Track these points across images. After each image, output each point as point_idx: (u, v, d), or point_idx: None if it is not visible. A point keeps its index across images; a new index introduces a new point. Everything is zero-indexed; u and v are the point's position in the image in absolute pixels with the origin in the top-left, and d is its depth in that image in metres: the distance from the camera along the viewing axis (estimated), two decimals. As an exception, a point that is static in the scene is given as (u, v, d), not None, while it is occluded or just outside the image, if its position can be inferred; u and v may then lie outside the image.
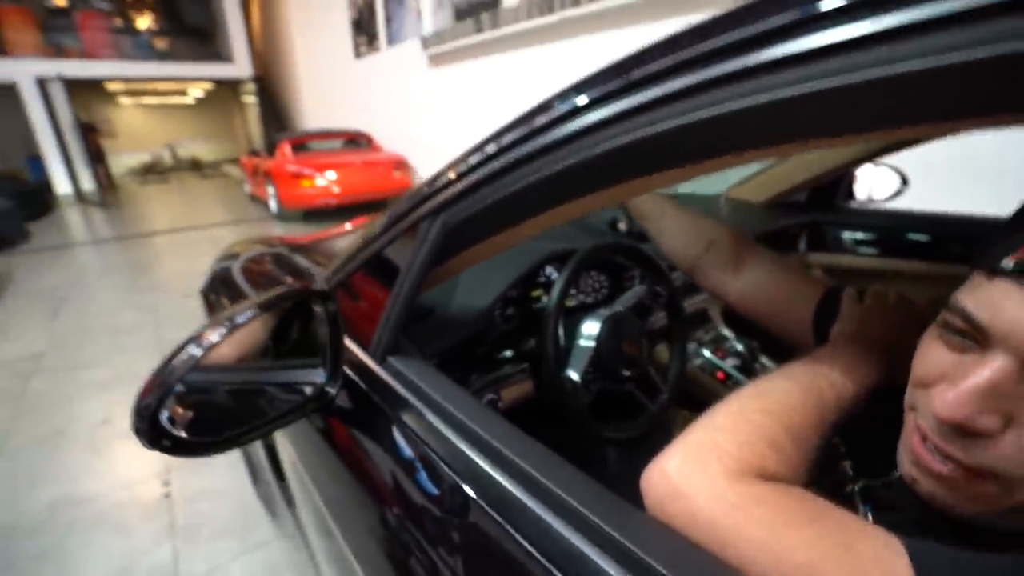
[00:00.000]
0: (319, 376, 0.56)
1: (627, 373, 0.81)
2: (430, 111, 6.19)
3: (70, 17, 10.15)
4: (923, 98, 0.26)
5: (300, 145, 6.63)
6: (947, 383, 0.32)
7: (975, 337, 0.32)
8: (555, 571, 0.35)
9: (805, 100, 0.28)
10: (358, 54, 7.68)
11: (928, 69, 0.24)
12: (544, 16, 4.01)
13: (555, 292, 0.75)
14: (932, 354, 0.35)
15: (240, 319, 0.47)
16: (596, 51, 3.89)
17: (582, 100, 0.42)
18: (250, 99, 11.48)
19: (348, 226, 1.72)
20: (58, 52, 9.18)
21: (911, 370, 0.37)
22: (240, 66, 10.21)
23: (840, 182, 1.53)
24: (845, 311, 0.54)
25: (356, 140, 7.00)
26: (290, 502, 1.06)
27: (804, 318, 0.60)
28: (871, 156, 1.30)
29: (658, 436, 0.88)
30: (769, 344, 1.11)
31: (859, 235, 1.49)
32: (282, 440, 0.96)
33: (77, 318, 3.36)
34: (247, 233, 5.87)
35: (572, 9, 3.76)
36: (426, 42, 5.64)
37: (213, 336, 0.46)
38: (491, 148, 0.49)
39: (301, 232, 5.64)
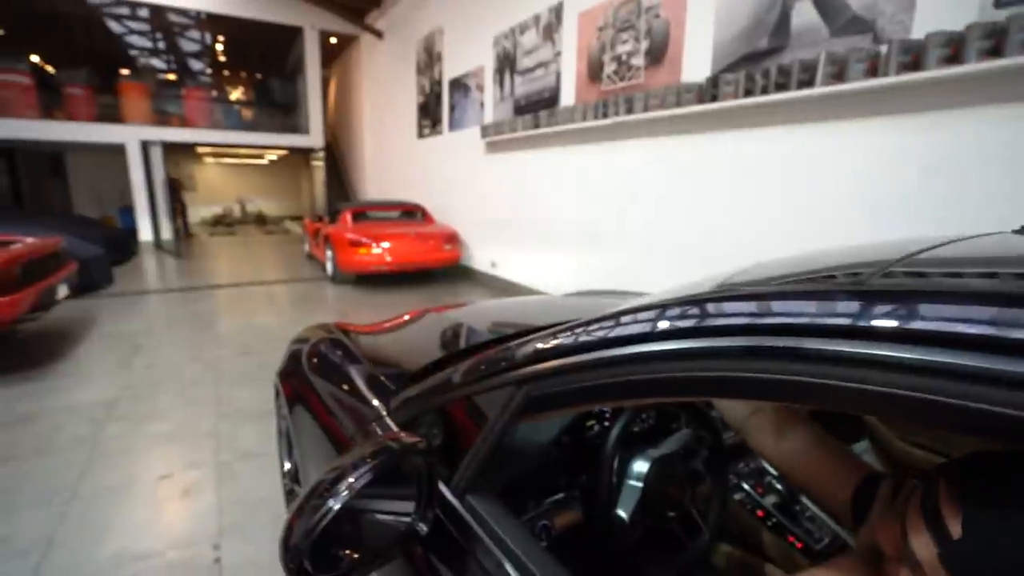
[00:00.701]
0: (408, 507, 0.66)
1: (671, 514, 0.88)
2: (483, 191, 6.61)
3: (177, 88, 11.58)
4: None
5: (360, 214, 7.13)
6: None
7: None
8: None
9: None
10: (421, 135, 8.36)
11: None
12: (599, 119, 4.34)
13: (615, 432, 0.85)
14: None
15: (355, 481, 0.60)
16: (643, 154, 4.15)
17: (660, 326, 0.54)
18: (318, 164, 12.50)
19: (406, 317, 1.87)
20: (162, 119, 10.42)
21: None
22: (314, 138, 11.24)
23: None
24: (876, 513, 0.56)
25: (412, 212, 7.47)
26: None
27: (842, 498, 0.65)
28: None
29: (698, 572, 0.94)
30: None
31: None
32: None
33: (148, 367, 3.64)
34: (302, 292, 6.25)
35: (625, 116, 4.07)
36: (485, 131, 6.12)
37: (343, 492, 0.59)
38: (574, 340, 0.62)
39: (352, 294, 5.98)
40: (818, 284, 0.47)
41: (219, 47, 12.97)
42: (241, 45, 12.33)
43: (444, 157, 7.61)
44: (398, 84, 9.04)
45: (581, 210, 4.93)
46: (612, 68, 4.41)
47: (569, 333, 0.63)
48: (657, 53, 3.95)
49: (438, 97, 7.64)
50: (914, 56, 2.47)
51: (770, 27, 3.16)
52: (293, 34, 10.81)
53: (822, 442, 0.73)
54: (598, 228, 4.74)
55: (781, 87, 2.99)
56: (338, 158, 13.73)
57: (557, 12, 5.01)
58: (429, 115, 8.02)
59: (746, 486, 1.13)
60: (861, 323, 0.39)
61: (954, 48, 2.35)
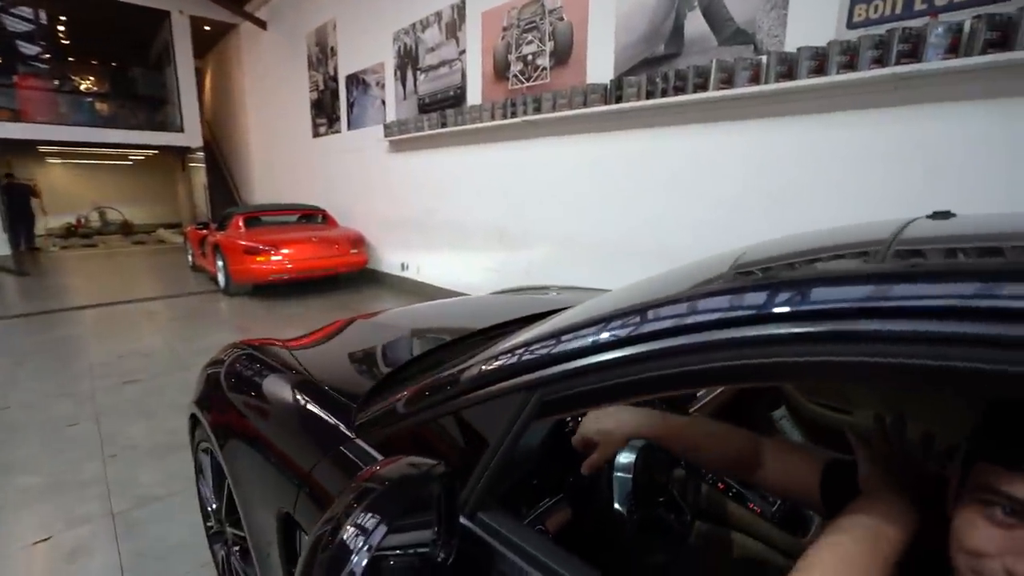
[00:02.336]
0: (425, 536, 0.61)
1: (660, 499, 0.91)
2: (389, 192, 6.40)
3: (7, 77, 9.81)
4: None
5: (254, 219, 6.56)
6: (1016, 555, 0.44)
7: (1021, 514, 0.44)
8: None
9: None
10: (317, 134, 7.89)
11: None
12: (508, 118, 4.39)
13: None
14: (981, 532, 0.46)
15: (376, 529, 0.54)
16: (553, 152, 4.27)
17: (661, 327, 0.55)
18: (197, 165, 11.29)
19: (337, 326, 1.75)
20: (-11, 112, 8.78)
21: (958, 541, 0.48)
22: (190, 136, 10.12)
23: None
24: (862, 462, 0.64)
25: (312, 215, 7.03)
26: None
27: (812, 490, 0.73)
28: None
29: (683, 552, 0.98)
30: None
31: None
32: None
33: (1, 410, 3.05)
34: (192, 307, 5.61)
35: (534, 115, 4.15)
36: (389, 129, 5.93)
37: (380, 534, 0.53)
38: (588, 340, 0.61)
39: (251, 306, 5.48)
40: (833, 265, 0.50)
41: (61, 28, 11.17)
42: (92, 28, 10.72)
43: (344, 157, 7.25)
44: (287, 79, 8.44)
45: (492, 209, 4.96)
46: (518, 68, 4.47)
47: (587, 331, 0.62)
48: (562, 54, 4.08)
49: (334, 94, 7.25)
50: (788, 67, 2.79)
51: (666, 35, 3.40)
52: (158, 19, 9.62)
53: (782, 450, 0.81)
54: (510, 227, 4.80)
55: (679, 90, 3.23)
56: (220, 159, 12.49)
57: (459, 10, 4.98)
58: (325, 113, 7.58)
59: (704, 464, 1.20)
60: (883, 304, 0.43)
61: (820, 61, 2.69)
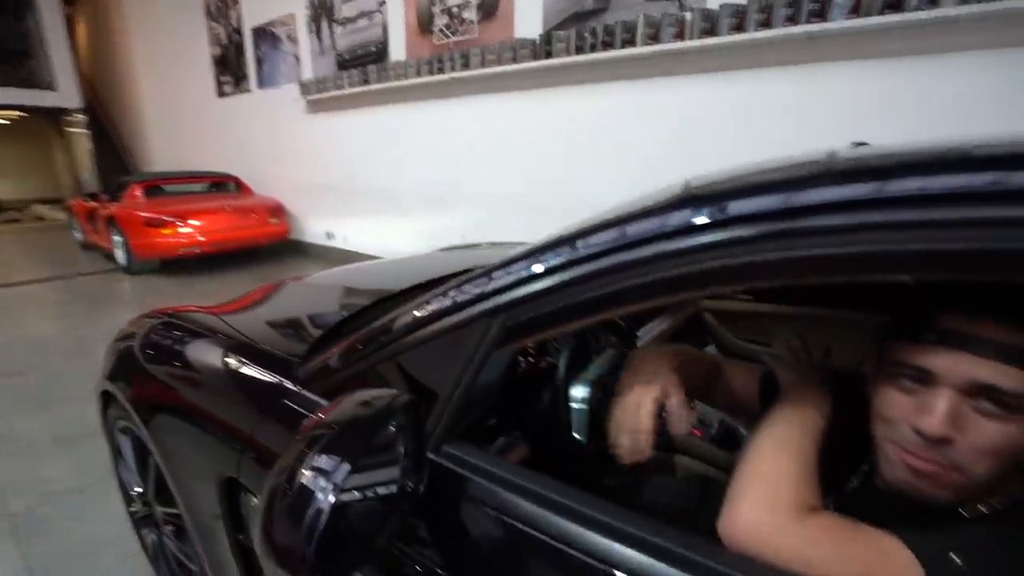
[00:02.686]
0: (391, 475, 0.59)
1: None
2: (310, 156, 6.00)
3: None
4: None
5: (154, 188, 5.94)
6: (920, 414, 0.50)
7: (923, 380, 0.50)
8: None
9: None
10: (222, 93, 7.21)
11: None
12: (434, 75, 4.21)
13: (563, 362, 0.86)
14: (893, 400, 0.53)
15: (339, 468, 0.50)
16: (481, 110, 4.17)
17: (638, 234, 0.55)
18: (78, 130, 9.96)
19: (269, 289, 1.64)
20: None
21: (876, 413, 0.55)
22: (66, 95, 8.87)
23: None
24: (779, 370, 0.74)
25: (222, 183, 6.48)
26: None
27: (753, 398, 0.82)
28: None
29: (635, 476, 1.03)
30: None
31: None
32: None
33: None
34: (87, 289, 5.04)
35: (461, 71, 4.01)
36: (306, 88, 5.52)
37: (343, 471, 0.49)
38: (551, 261, 0.60)
39: (161, 284, 5.00)
40: (782, 172, 0.52)
41: None
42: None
43: (256, 119, 6.68)
44: (181, 31, 7.56)
45: (422, 172, 4.80)
46: (444, 21, 4.28)
47: (546, 253, 0.61)
48: (489, 7, 3.95)
49: (239, 48, 6.61)
50: (711, 23, 2.87)
51: (593, -12, 3.37)
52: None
53: (728, 365, 0.89)
54: (441, 190, 4.68)
55: (607, 45, 3.24)
56: (107, 123, 11.09)
57: (376, -44, 4.65)
58: (230, 70, 6.91)
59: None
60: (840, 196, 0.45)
61: (740, 19, 2.78)
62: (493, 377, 0.90)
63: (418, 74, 4.36)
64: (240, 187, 6.51)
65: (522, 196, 4.11)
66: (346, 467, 0.51)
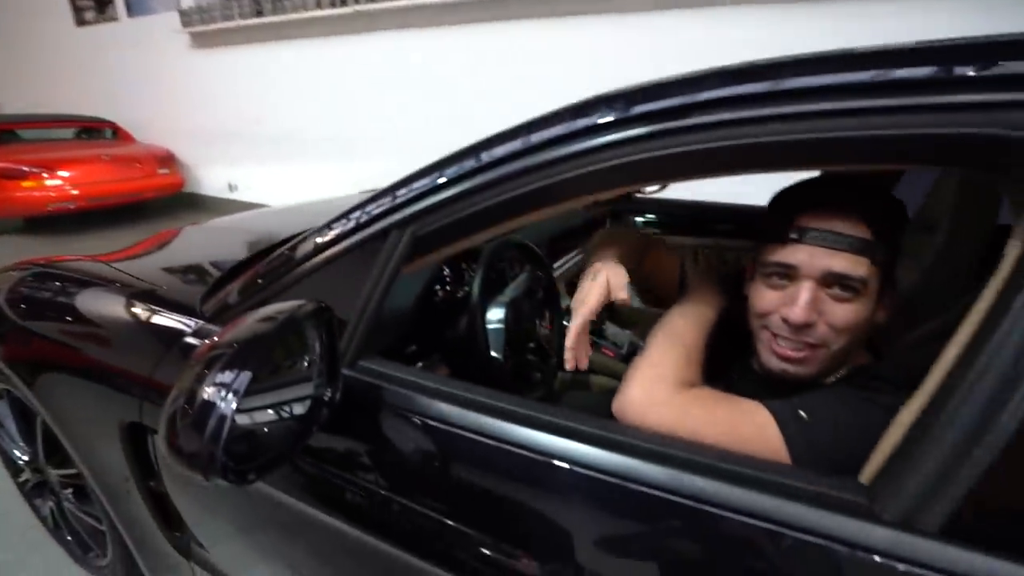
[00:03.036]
0: (307, 389, 0.59)
1: (530, 345, 0.99)
2: (201, 98, 5.39)
3: None
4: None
5: (6, 133, 5.10)
6: (787, 306, 0.58)
7: (788, 276, 0.59)
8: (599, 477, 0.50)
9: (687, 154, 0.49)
10: (82, 21, 6.19)
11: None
12: (337, 7, 3.88)
13: (476, 287, 0.88)
14: (764, 296, 0.62)
15: (239, 378, 0.50)
16: (395, 47, 3.94)
17: (536, 140, 0.57)
18: None
19: (166, 235, 1.51)
20: None
21: (752, 309, 0.63)
22: None
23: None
24: (688, 268, 0.83)
25: (96, 130, 5.68)
26: (189, 554, 0.97)
27: (675, 283, 0.89)
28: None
29: (552, 393, 1.10)
30: (611, 311, 1.43)
31: (644, 217, 1.95)
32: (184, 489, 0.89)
33: None
34: (-67, 254, 4.32)
35: (367, 4, 3.73)
36: (188, 18, 4.88)
37: (244, 379, 0.48)
38: (458, 170, 0.61)
39: (28, 246, 4.39)
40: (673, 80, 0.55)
41: None
42: None
43: (131, 54, 5.82)
44: (18, -59, 6.31)
45: (330, 116, 4.49)
46: (344, -54, 3.91)
47: (453, 164, 0.61)
48: (393, -68, 3.65)
49: (98, -33, 5.65)
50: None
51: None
52: None
53: (657, 252, 0.93)
54: (350, 135, 4.42)
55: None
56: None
57: None
58: (89, -7, 5.92)
59: (564, 321, 1.33)
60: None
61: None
62: (410, 299, 0.91)
63: (318, 6, 3.99)
64: (118, 134, 5.75)
65: (439, 144, 3.98)
66: (247, 376, 0.50)
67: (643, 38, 3.02)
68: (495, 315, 0.96)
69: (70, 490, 1.23)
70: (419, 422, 0.61)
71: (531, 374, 1.03)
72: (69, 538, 1.33)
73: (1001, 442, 0.37)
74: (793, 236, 0.58)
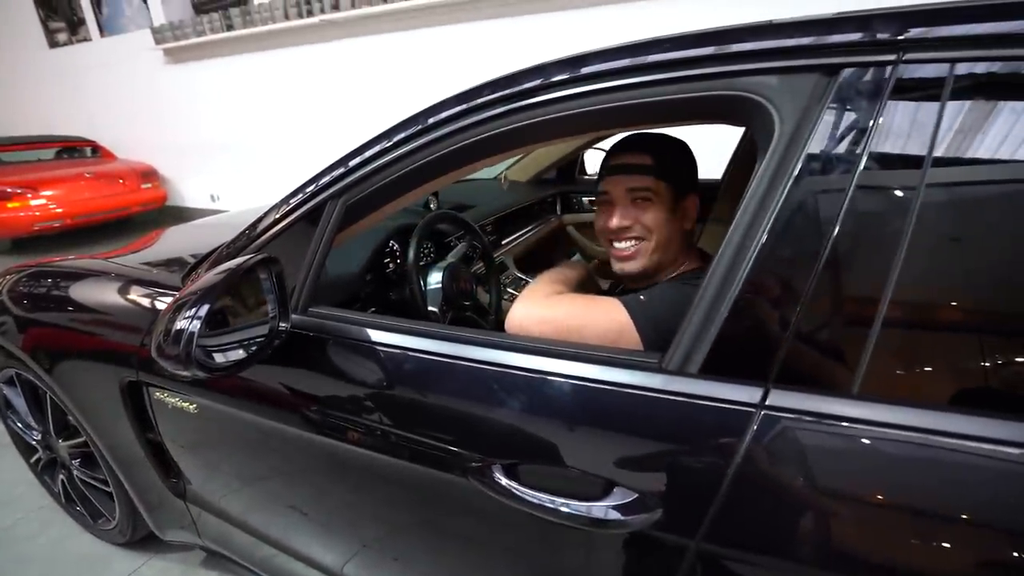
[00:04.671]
0: (262, 330, 0.76)
1: (466, 303, 1.17)
2: (178, 112, 5.52)
3: None
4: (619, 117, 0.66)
5: (-12, 158, 5.19)
6: (611, 219, 0.81)
7: (607, 200, 0.81)
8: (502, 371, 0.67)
9: (569, 117, 0.66)
10: (55, 43, 6.28)
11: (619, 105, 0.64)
12: (303, 18, 4.03)
13: (411, 253, 1.06)
14: (599, 218, 0.84)
15: (217, 287, 0.67)
16: (361, 53, 4.09)
17: (433, 120, 0.74)
18: None
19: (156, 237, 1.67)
20: None
21: (598, 235, 0.85)
22: None
23: (576, 162, 2.15)
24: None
25: (77, 148, 5.78)
26: (184, 495, 1.14)
27: None
28: (590, 144, 1.90)
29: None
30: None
31: (592, 197, 2.13)
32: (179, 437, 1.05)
33: None
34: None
35: (332, 13, 3.88)
36: (161, 34, 4.99)
37: (203, 310, 0.66)
38: (380, 146, 0.77)
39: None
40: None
41: None
42: None
43: (106, 72, 5.93)
44: (-14, -32, 6.37)
45: (306, 122, 4.64)
46: (307, -42, 4.05)
47: (377, 140, 0.78)
48: (354, -57, 3.80)
49: (68, -11, 5.75)
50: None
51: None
52: None
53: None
54: (327, 141, 4.57)
55: (476, -17, 3.30)
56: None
57: None
58: (61, 14, 6.01)
59: (511, 291, 1.51)
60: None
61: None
62: (355, 268, 1.08)
63: (285, 17, 4.13)
64: (99, 152, 5.85)
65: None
66: (205, 307, 0.67)
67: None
68: (434, 278, 1.14)
69: (78, 460, 1.39)
70: (359, 347, 0.78)
71: (469, 325, 1.21)
72: (79, 508, 1.48)
73: (728, 312, 0.55)
74: (603, 172, 0.83)
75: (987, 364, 0.48)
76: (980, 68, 0.49)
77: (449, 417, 0.71)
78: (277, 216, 0.90)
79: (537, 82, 0.68)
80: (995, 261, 0.48)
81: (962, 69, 0.49)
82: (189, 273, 1.09)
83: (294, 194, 0.88)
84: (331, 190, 0.81)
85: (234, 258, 0.94)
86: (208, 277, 0.73)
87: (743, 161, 1.06)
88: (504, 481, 0.64)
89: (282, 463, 0.92)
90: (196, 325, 0.65)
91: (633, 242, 0.81)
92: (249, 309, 0.74)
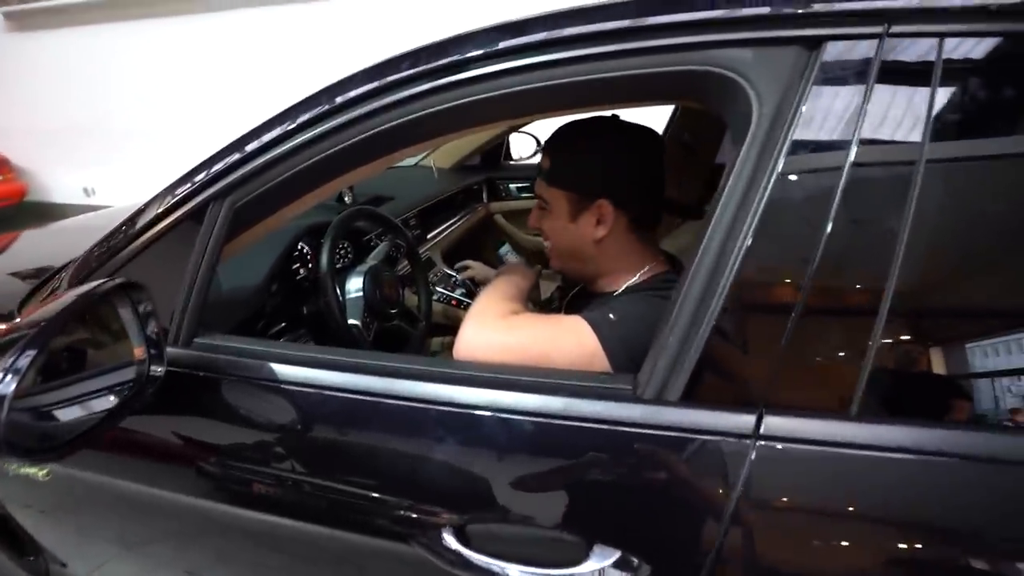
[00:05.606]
0: (128, 374, 0.58)
1: (392, 311, 1.03)
2: (39, 92, 4.72)
3: None
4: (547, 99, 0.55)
5: None
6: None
7: (544, 207, 0.72)
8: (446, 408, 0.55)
9: (472, 104, 0.55)
10: None
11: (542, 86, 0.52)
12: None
13: (324, 257, 0.90)
14: (534, 216, 0.76)
15: (48, 328, 0.48)
16: (259, 24, 3.68)
17: (340, 101, 0.59)
18: None
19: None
20: None
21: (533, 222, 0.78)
22: None
23: (501, 146, 2.03)
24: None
25: None
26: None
27: None
28: (516, 127, 1.79)
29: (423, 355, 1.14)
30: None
31: (519, 184, 2.03)
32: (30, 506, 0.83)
33: None
34: None
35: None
36: (-2, -4, 4.20)
37: (23, 361, 0.47)
38: (272, 135, 0.61)
39: None
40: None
41: None
42: None
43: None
44: None
45: (191, 103, 4.12)
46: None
47: (267, 128, 0.62)
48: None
49: None
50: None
51: None
52: None
53: None
54: (217, 124, 4.08)
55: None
56: None
57: None
58: None
59: (440, 288, 1.38)
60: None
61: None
62: (261, 279, 0.90)
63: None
64: (-73, 139, 4.88)
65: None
66: (28, 356, 0.48)
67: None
68: (354, 284, 0.98)
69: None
70: (263, 386, 0.62)
71: (400, 338, 1.07)
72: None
73: (710, 329, 0.46)
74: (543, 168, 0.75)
75: (1006, 378, 0.43)
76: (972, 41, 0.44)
77: (383, 469, 0.58)
78: (141, 225, 0.70)
79: (468, 54, 0.55)
80: (1007, 258, 0.43)
81: (953, 42, 0.43)
82: (28, 299, 0.85)
83: (162, 196, 0.69)
84: (213, 189, 0.64)
85: (93, 277, 0.74)
86: (44, 309, 0.54)
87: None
88: (454, 545, 0.52)
89: (175, 526, 0.74)
90: (8, 385, 0.46)
91: (548, 244, 0.77)
92: (107, 350, 0.56)
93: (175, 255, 0.67)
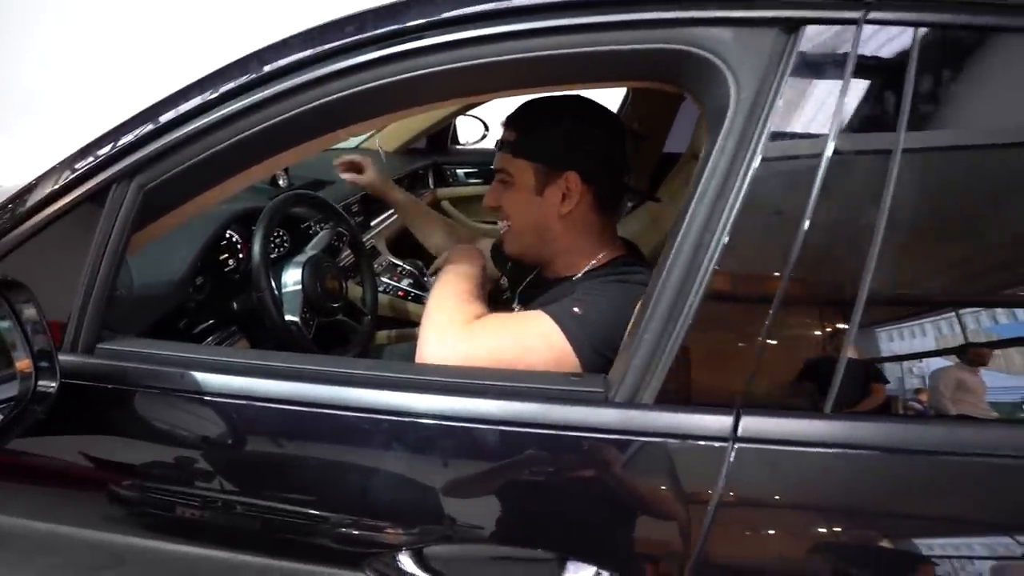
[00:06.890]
0: (10, 391, 0.48)
1: (335, 305, 0.94)
2: None
3: None
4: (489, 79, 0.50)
5: None
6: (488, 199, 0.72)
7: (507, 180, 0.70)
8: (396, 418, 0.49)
9: (423, 77, 0.49)
10: None
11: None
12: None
13: (257, 247, 0.80)
14: (493, 193, 0.73)
15: None
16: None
17: (272, 68, 0.51)
18: None
19: None
20: None
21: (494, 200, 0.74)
22: None
23: (448, 129, 1.95)
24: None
25: None
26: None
27: None
28: (463, 110, 1.72)
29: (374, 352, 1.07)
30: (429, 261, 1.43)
31: (467, 169, 1.96)
32: None
33: None
34: None
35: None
36: None
37: None
38: (189, 105, 0.52)
39: None
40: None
41: None
42: None
43: None
44: None
45: (93, 63, 3.69)
46: None
47: (184, 96, 0.53)
48: None
49: None
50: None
51: None
52: None
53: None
54: (139, 84, 3.70)
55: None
56: None
57: None
58: None
59: (386, 279, 1.30)
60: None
61: None
62: (180, 267, 0.80)
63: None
64: None
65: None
66: None
67: None
68: (291, 277, 0.89)
69: None
70: (182, 399, 0.54)
71: (343, 335, 0.99)
72: None
73: (685, 328, 0.44)
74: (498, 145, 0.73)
75: (989, 366, 0.43)
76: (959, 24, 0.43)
77: (330, 489, 0.52)
78: (29, 207, 0.59)
79: (422, 20, 0.49)
80: (993, 252, 0.43)
81: (936, 28, 0.42)
82: None
83: (57, 173, 0.58)
84: (119, 167, 0.54)
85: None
86: None
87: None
88: (411, 569, 0.47)
89: (79, 565, 0.64)
90: None
91: (504, 224, 0.73)
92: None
93: (71, 245, 0.56)
